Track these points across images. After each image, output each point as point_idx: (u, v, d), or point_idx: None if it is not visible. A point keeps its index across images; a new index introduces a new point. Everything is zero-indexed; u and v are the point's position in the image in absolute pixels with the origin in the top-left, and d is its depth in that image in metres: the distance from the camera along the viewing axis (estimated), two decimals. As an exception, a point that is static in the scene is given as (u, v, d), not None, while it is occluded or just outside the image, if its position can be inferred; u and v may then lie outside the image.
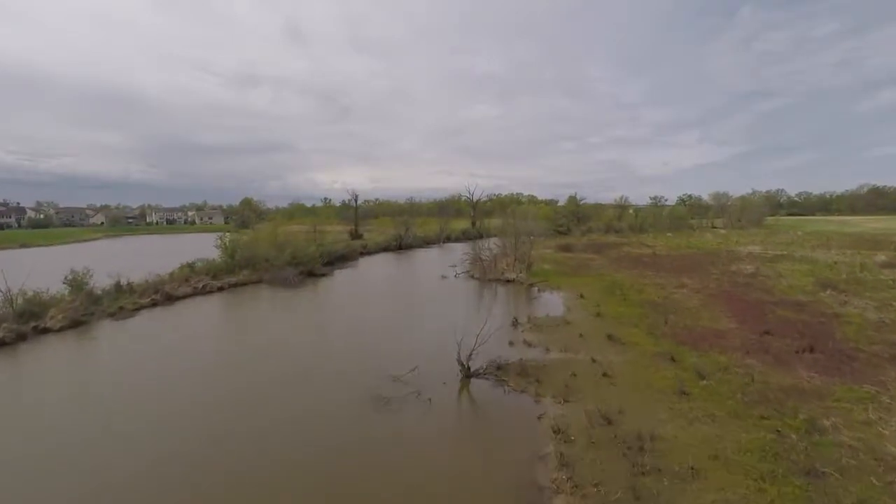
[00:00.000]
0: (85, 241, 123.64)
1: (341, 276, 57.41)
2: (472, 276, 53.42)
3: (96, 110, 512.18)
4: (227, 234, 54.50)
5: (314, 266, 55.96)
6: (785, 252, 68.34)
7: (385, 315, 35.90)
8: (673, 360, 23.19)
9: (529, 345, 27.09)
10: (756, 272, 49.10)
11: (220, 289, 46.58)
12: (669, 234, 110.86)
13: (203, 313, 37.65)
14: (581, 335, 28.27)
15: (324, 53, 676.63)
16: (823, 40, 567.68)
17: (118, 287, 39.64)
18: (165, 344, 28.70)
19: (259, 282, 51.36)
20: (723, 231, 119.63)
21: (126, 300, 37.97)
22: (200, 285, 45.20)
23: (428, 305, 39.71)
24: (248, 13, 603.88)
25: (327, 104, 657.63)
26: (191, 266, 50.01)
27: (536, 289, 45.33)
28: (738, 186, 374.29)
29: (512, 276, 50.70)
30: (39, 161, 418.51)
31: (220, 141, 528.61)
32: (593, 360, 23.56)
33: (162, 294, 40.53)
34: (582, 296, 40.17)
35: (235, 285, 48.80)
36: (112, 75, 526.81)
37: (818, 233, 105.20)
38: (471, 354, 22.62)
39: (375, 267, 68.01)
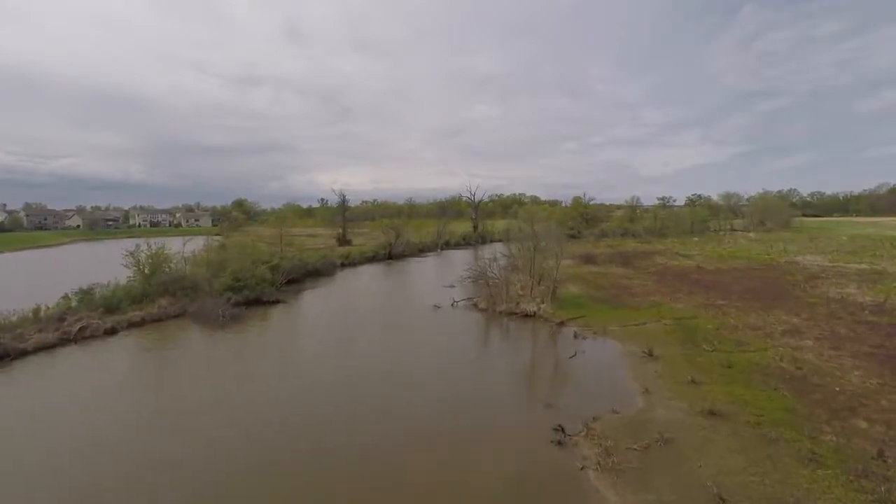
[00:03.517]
0: (49, 246, 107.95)
1: (300, 304, 41.55)
2: (476, 306, 37.54)
3: (97, 111, 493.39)
4: (146, 244, 38.52)
5: (263, 291, 39.97)
6: (865, 265, 52.37)
7: (321, 415, 20.08)
8: None
9: (616, 534, 11.25)
10: (884, 303, 33.06)
11: (111, 331, 30.69)
12: (696, 239, 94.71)
13: (13, 401, 21.80)
14: (723, 501, 12.38)
15: (324, 54, 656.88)
16: (824, 40, 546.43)
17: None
18: None
19: (182, 314, 35.58)
20: (752, 235, 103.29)
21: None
22: (76, 328, 29.38)
23: (403, 385, 23.74)
24: (247, 14, 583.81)
25: (327, 104, 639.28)
26: (86, 294, 34.26)
27: (573, 332, 29.39)
28: (738, 186, 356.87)
29: (532, 307, 34.80)
30: (40, 162, 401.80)
31: (221, 142, 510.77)
32: None
33: (-11, 350, 24.71)
34: (651, 353, 24.26)
35: (141, 323, 32.94)
36: (112, 76, 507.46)
37: (863, 237, 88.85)
38: None
39: (352, 287, 52.16)
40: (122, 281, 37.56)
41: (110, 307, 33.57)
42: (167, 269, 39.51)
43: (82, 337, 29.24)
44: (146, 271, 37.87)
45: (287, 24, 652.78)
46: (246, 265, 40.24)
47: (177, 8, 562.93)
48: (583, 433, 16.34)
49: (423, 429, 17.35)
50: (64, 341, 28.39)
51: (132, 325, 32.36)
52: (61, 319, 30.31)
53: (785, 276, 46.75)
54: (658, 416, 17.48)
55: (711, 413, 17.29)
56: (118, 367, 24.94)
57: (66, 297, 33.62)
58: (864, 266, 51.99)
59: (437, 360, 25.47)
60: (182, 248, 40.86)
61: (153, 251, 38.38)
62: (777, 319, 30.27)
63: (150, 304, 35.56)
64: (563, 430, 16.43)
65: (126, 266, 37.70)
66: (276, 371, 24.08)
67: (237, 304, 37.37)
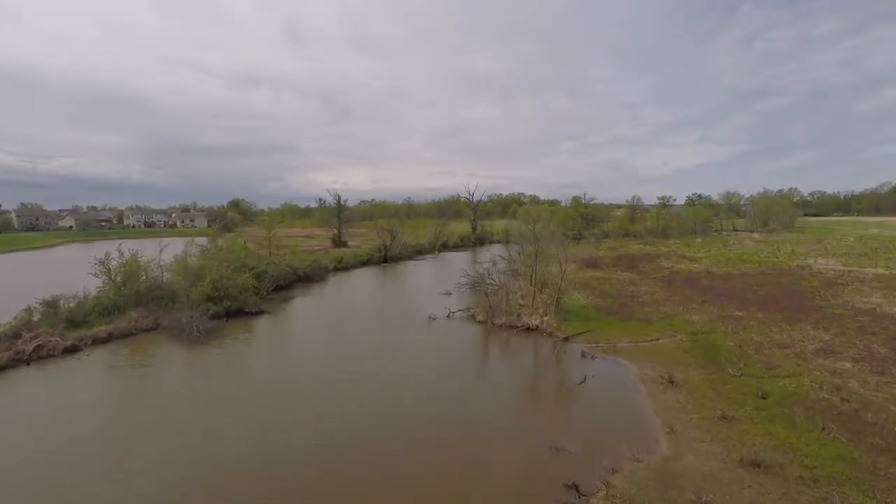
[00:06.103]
0: (39, 248, 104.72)
1: (285, 315, 38.44)
2: (474, 317, 34.53)
3: (97, 112, 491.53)
4: (119, 251, 35.41)
5: (246, 301, 36.92)
6: (882, 269, 49.43)
7: (271, 464, 17.07)
8: None
9: None
10: (917, 317, 30.11)
11: (72, 349, 27.63)
12: (699, 240, 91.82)
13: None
14: None
15: (324, 54, 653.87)
16: (824, 40, 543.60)
17: None
18: None
19: (155, 328, 32.50)
20: (756, 236, 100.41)
21: None
22: (32, 347, 26.33)
23: (383, 423, 20.77)
24: (247, 14, 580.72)
25: (327, 105, 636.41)
26: (50, 306, 31.16)
27: (580, 350, 26.41)
28: (738, 186, 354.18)
29: (534, 320, 31.80)
30: (40, 162, 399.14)
31: (222, 142, 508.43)
32: None
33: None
34: (671, 380, 21.24)
35: (108, 339, 29.82)
36: (112, 76, 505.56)
37: (871, 238, 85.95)
38: None
39: (343, 294, 49.18)
40: (94, 291, 34.56)
41: (75, 321, 30.56)
42: (142, 278, 36.44)
43: (38, 357, 26.19)
44: (118, 280, 34.82)
45: (287, 25, 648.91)
46: (227, 272, 37.14)
47: (177, 8, 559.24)
48: (601, 493, 13.35)
49: (402, 486, 14.34)
50: (16, 362, 25.35)
51: (97, 341, 29.23)
52: (16, 336, 27.26)
53: (801, 283, 43.80)
54: (689, 466, 14.50)
55: (754, 464, 14.29)
56: (67, 396, 21.87)
57: (28, 309, 30.57)
58: (881, 271, 49.08)
59: (427, 387, 22.43)
60: (159, 254, 37.62)
61: (126, 258, 35.28)
62: (804, 335, 27.30)
63: (120, 317, 32.55)
64: (577, 488, 13.44)
65: (95, 275, 34.54)
66: (242, 403, 21.06)
67: (217, 316, 34.38)
